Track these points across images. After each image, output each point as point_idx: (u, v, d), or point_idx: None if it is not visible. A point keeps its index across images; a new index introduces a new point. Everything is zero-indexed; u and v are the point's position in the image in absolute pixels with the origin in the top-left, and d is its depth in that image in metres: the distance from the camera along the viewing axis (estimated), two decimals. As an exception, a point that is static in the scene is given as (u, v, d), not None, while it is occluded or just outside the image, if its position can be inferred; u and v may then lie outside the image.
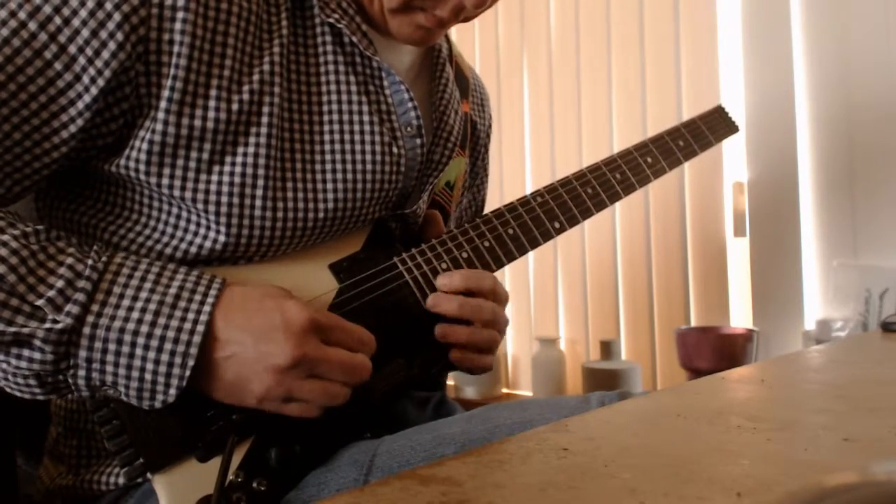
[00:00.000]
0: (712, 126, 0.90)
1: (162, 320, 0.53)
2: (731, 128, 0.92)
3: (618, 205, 1.69)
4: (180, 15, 0.56)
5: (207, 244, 0.60)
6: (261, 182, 0.59)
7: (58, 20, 0.54)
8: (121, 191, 0.62)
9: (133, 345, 0.52)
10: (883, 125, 1.35)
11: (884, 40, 1.34)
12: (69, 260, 0.53)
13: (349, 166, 0.64)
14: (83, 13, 0.54)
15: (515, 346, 1.95)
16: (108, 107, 0.57)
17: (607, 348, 1.60)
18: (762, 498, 0.32)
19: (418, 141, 0.69)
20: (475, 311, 0.67)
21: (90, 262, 0.54)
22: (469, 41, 2.02)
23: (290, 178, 0.61)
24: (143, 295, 0.54)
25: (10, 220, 0.55)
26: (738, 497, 0.32)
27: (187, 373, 0.53)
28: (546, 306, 1.87)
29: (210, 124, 0.58)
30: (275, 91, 0.60)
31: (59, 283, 0.52)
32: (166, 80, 0.56)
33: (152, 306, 0.53)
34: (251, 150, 0.59)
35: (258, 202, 0.60)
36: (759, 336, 1.44)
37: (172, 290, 0.54)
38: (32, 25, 0.54)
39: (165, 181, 0.58)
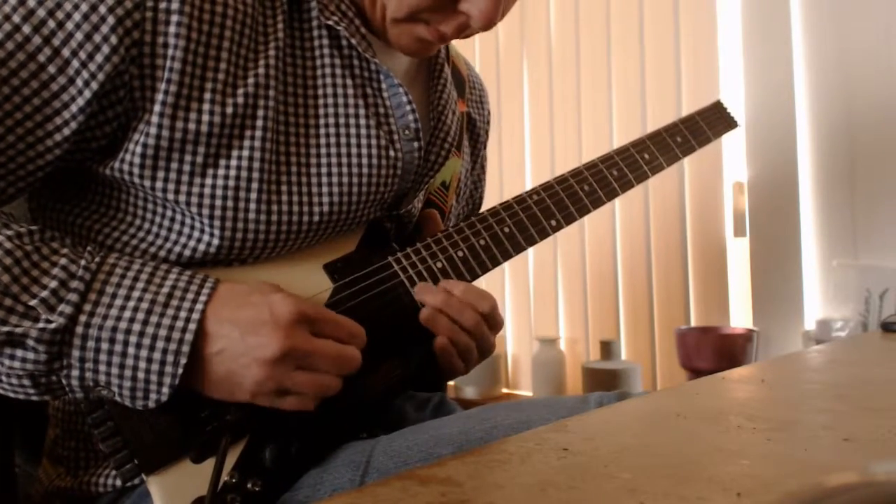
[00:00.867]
0: (711, 122, 0.89)
1: (154, 319, 0.53)
2: (730, 123, 0.91)
3: (617, 205, 1.70)
4: (174, 18, 0.56)
5: (201, 247, 0.60)
6: (255, 185, 0.59)
7: (52, 24, 0.54)
8: (115, 193, 0.61)
9: (126, 343, 0.52)
10: (883, 125, 1.34)
11: (884, 40, 1.34)
12: (63, 261, 0.53)
13: (345, 169, 0.64)
14: (77, 17, 0.54)
15: (515, 346, 1.95)
16: (101, 110, 0.57)
17: (607, 348, 1.60)
18: (762, 498, 0.32)
19: (416, 144, 0.69)
20: (457, 312, 0.66)
21: (83, 262, 0.54)
22: (469, 41, 2.02)
23: (284, 181, 0.61)
24: (136, 294, 0.54)
25: (4, 221, 0.55)
26: (738, 497, 0.32)
27: (180, 371, 0.53)
28: (546, 306, 1.87)
29: (204, 128, 0.57)
30: (270, 94, 0.60)
31: (53, 284, 0.52)
32: (160, 84, 0.56)
33: (145, 305, 0.53)
34: (246, 153, 0.59)
35: (252, 205, 0.59)
36: (759, 336, 1.43)
37: (165, 290, 0.54)
38: (27, 29, 0.54)
39: (159, 184, 0.58)
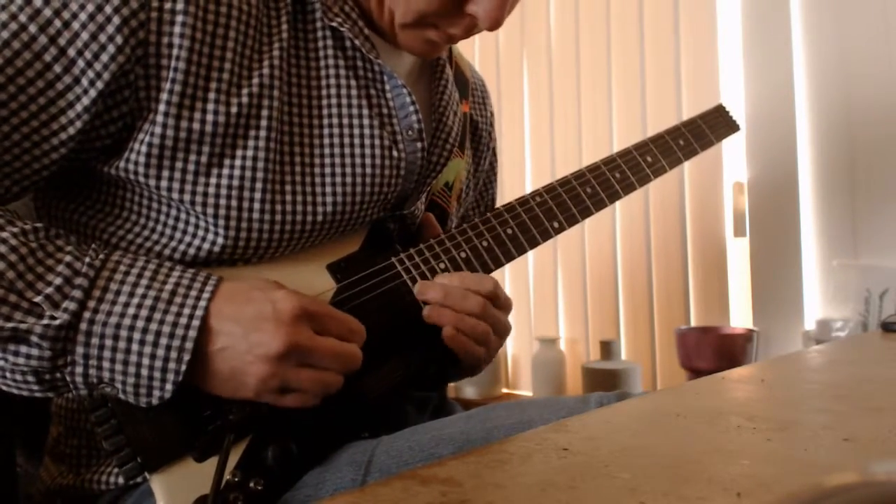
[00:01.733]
0: (713, 125, 0.90)
1: (158, 315, 0.53)
2: (732, 127, 0.92)
3: (618, 205, 1.69)
4: (179, 18, 0.56)
5: (205, 246, 0.60)
6: (259, 185, 0.60)
7: (58, 23, 0.54)
8: (119, 192, 0.62)
9: (129, 340, 0.53)
10: (883, 125, 1.35)
11: (883, 40, 1.34)
12: (67, 258, 0.54)
13: (348, 170, 0.64)
14: (83, 16, 0.55)
15: (515, 346, 1.95)
16: (107, 109, 0.57)
17: (607, 348, 1.60)
18: (762, 498, 0.32)
19: (419, 144, 0.69)
20: (459, 300, 0.66)
21: (87, 259, 0.54)
22: (469, 41, 2.02)
23: (288, 181, 0.61)
24: (140, 291, 0.54)
25: (9, 218, 0.55)
26: (738, 497, 0.32)
27: (183, 367, 0.53)
28: (546, 306, 1.87)
29: (209, 127, 0.58)
30: (274, 94, 0.61)
31: (57, 281, 0.52)
32: (165, 83, 0.57)
33: (148, 302, 0.53)
34: (250, 153, 0.59)
35: (256, 205, 0.60)
36: (759, 336, 1.43)
37: (168, 287, 0.55)
38: (33, 28, 0.54)
39: (164, 183, 0.59)
